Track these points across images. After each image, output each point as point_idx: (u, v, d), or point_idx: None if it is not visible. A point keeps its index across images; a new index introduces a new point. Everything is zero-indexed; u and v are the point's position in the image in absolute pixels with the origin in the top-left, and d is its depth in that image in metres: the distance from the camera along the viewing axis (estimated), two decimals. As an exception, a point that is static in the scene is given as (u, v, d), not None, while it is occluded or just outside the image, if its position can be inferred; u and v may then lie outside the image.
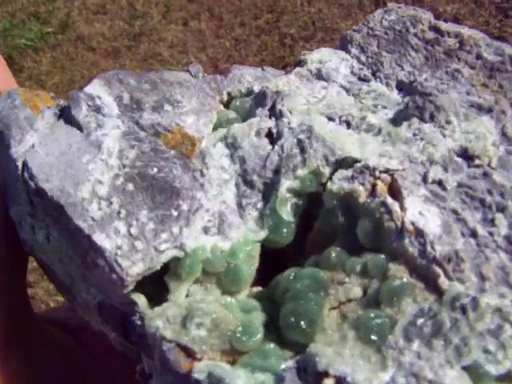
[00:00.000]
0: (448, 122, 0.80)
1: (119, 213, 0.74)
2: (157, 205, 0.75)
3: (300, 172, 0.78)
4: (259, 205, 0.79)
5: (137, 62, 3.63)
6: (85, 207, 0.74)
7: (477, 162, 0.76)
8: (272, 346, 0.71)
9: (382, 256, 0.73)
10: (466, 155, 0.77)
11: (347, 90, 0.93)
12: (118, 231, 0.73)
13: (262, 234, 0.78)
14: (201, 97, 0.91)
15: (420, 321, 0.66)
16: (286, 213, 0.78)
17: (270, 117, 0.87)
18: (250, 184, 0.80)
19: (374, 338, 0.67)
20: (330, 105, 0.88)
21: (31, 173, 0.78)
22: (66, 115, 0.86)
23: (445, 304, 0.67)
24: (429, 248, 0.69)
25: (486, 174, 0.75)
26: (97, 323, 0.84)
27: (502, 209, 0.71)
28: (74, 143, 0.81)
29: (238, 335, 0.70)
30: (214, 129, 0.90)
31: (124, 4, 3.33)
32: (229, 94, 0.97)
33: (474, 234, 0.70)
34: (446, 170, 0.76)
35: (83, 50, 2.98)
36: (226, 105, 0.97)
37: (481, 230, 0.70)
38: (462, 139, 0.78)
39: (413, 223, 0.71)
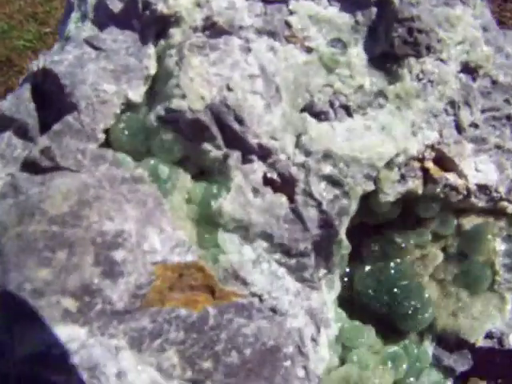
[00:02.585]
0: (439, 41, 0.65)
1: None
2: (274, 370, 0.60)
3: (351, 208, 0.63)
4: (314, 262, 0.65)
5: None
6: None
7: (480, 72, 0.68)
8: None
9: (450, 215, 0.71)
10: (469, 70, 0.68)
11: (273, 35, 0.64)
12: None
13: (338, 285, 0.69)
14: (126, 192, 0.58)
15: (510, 251, 0.73)
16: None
17: (243, 158, 0.61)
18: (301, 254, 0.63)
19: (485, 285, 0.73)
20: (288, 82, 0.62)
21: None
22: None
23: None
24: (494, 194, 0.70)
25: (494, 82, 0.69)
26: None
27: None
28: None
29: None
30: None
31: (122, 1, 2.67)
32: (106, 130, 0.62)
33: None
34: (468, 104, 0.67)
35: (83, 49, 2.39)
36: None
37: None
38: (459, 53, 0.67)
39: (476, 184, 0.68)
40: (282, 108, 0.62)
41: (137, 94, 0.62)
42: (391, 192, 0.66)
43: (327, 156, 0.61)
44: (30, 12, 2.67)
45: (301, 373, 0.62)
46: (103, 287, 0.54)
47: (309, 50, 0.64)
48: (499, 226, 0.75)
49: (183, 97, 0.59)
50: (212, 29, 0.63)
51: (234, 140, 0.61)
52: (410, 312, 0.72)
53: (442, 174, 0.67)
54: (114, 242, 0.55)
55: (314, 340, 0.65)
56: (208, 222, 0.62)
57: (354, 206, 0.63)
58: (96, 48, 0.63)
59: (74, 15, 0.72)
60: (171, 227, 0.58)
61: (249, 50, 0.63)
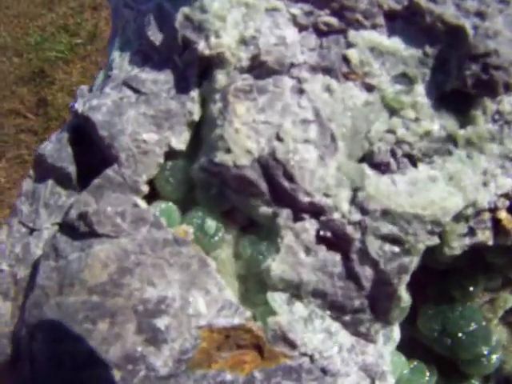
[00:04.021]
0: (520, 74, 0.56)
1: None
2: None
3: (411, 264, 0.58)
4: (370, 316, 0.61)
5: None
6: None
7: None
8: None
9: None
10: None
11: (329, 71, 0.58)
12: None
13: (397, 334, 0.65)
14: (169, 256, 0.55)
15: None
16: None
17: (294, 215, 0.56)
18: (356, 310, 0.60)
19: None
20: (346, 129, 0.56)
21: None
22: None
23: None
24: None
25: None
26: None
27: None
28: None
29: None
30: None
31: (151, 11, 2.98)
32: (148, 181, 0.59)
33: None
34: None
35: (112, 59, 2.78)
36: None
37: None
38: None
39: None
40: (337, 160, 0.56)
41: (180, 141, 0.58)
42: (457, 245, 0.60)
43: (386, 214, 0.55)
44: (62, 24, 2.77)
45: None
46: (146, 354, 0.53)
47: (370, 89, 0.57)
48: None
49: (228, 151, 0.55)
50: (260, 69, 0.57)
51: (284, 197, 0.56)
52: (474, 358, 0.68)
53: (517, 225, 0.60)
54: (156, 310, 0.53)
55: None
56: (257, 279, 0.59)
57: (415, 262, 0.58)
58: (135, 91, 0.59)
59: (118, 40, 0.68)
60: (217, 288, 0.56)
61: (301, 91, 0.57)
